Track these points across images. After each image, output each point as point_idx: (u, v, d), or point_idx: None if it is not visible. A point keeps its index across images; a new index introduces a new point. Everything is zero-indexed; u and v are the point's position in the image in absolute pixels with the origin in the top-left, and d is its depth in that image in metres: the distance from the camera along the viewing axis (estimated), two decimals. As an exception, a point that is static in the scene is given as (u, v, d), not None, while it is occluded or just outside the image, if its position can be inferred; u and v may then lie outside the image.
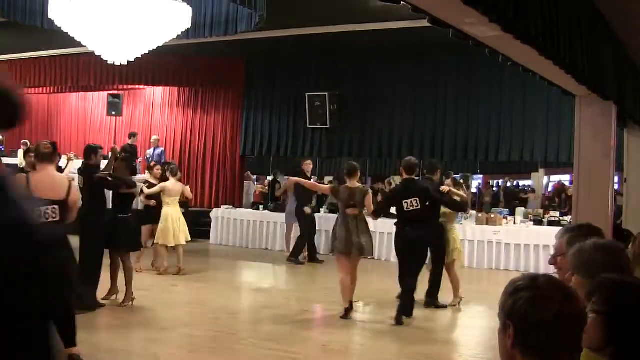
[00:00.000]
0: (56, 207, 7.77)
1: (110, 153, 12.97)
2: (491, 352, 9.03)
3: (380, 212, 12.34)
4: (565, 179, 28.55)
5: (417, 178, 12.00)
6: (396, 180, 22.19)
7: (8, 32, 20.76)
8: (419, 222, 11.32)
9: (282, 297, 13.91)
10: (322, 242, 19.10)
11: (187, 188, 16.39)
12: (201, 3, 16.28)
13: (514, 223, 18.45)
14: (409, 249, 11.30)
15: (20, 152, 23.84)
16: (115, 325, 10.59)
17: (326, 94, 22.11)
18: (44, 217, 7.57)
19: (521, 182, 32.14)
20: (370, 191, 12.17)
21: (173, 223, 15.16)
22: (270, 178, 26.81)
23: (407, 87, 21.28)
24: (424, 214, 11.46)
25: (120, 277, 12.10)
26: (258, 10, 15.07)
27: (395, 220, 11.94)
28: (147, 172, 18.73)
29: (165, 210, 15.28)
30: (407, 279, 11.30)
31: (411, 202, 11.32)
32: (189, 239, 15.71)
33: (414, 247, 11.32)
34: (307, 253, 18.43)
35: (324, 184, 19.68)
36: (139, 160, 23.80)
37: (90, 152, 12.19)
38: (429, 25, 6.44)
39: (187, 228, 15.57)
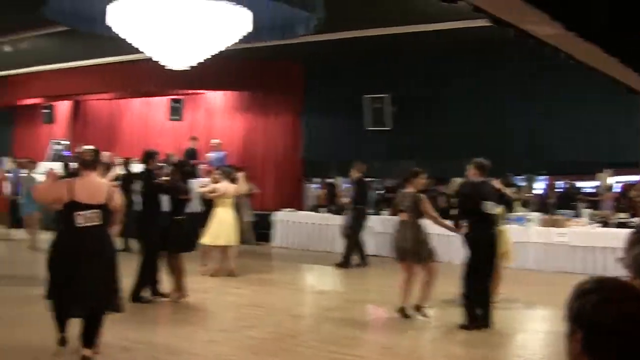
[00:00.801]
0: (96, 211, 8.10)
1: (167, 159, 13.21)
2: (557, 357, 8.91)
3: (460, 217, 11.76)
4: (635, 179, 28.11)
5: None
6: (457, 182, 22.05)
7: (70, 40, 21.02)
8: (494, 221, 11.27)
9: (344, 300, 13.89)
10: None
11: (240, 185, 16.33)
12: (260, 7, 16.30)
13: (580, 225, 18.20)
14: (492, 249, 11.17)
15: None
16: (177, 327, 10.66)
17: (386, 96, 22.04)
18: (85, 222, 8.00)
19: (582, 184, 31.72)
20: (423, 197, 11.81)
21: (219, 224, 15.25)
22: (331, 180, 26.84)
23: (467, 87, 21.09)
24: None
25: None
26: (316, 13, 15.06)
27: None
28: (209, 176, 18.92)
29: (214, 211, 15.44)
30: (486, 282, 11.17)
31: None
32: (233, 243, 15.68)
33: (493, 247, 11.22)
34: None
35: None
36: (202, 165, 23.96)
37: (149, 157, 12.49)
38: (489, 24, 6.37)
39: (234, 231, 15.57)
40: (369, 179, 18.74)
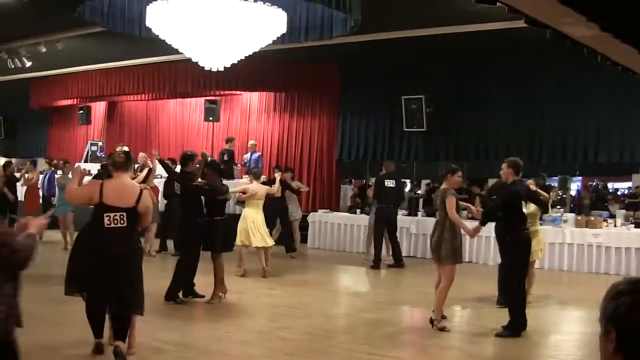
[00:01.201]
0: (123, 214, 8.22)
1: (202, 157, 13.31)
2: (591, 358, 8.88)
3: (490, 217, 11.44)
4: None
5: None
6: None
7: (107, 41, 21.12)
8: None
9: (378, 301, 13.86)
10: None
11: (274, 187, 16.49)
12: (296, 8, 16.32)
13: (615, 226, 18.09)
14: (525, 249, 11.05)
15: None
16: (210, 328, 10.69)
17: (422, 97, 22.00)
18: (112, 223, 8.16)
19: (618, 185, 31.55)
20: (449, 193, 11.35)
21: (251, 224, 15.33)
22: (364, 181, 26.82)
23: (503, 88, 21.05)
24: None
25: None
26: (353, 15, 15.06)
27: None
28: (244, 176, 18.96)
29: (244, 211, 15.53)
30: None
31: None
32: (269, 244, 15.79)
33: (526, 247, 11.10)
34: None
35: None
36: (237, 165, 24.03)
37: (187, 160, 12.59)
38: (525, 25, 6.36)
39: (267, 232, 15.71)
40: (395, 179, 18.45)
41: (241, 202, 16.38)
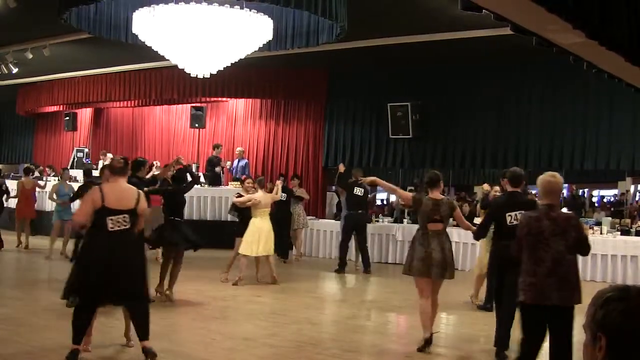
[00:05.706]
0: (127, 215, 8.40)
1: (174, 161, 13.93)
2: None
3: (484, 231, 10.71)
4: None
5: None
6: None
7: (93, 47, 21.08)
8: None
9: (365, 308, 13.88)
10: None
11: (275, 193, 16.42)
12: (282, 15, 16.34)
13: (600, 233, 18.09)
14: (510, 265, 10.69)
15: (101, 163, 24.30)
16: (197, 335, 10.66)
17: (408, 104, 22.02)
18: (116, 225, 8.30)
19: (604, 192, 31.68)
20: (456, 204, 11.28)
21: (257, 235, 15.19)
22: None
23: (489, 96, 21.09)
24: None
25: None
26: (339, 22, 15.06)
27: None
28: (231, 183, 18.86)
29: (252, 221, 15.33)
30: (508, 300, 10.69)
31: (515, 215, 10.15)
32: (271, 253, 15.68)
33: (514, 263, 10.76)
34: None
35: None
36: (223, 167, 24.00)
37: (140, 165, 12.71)
38: (512, 33, 6.37)
39: (272, 242, 15.54)
40: (363, 186, 18.35)
41: (235, 211, 16.24)
